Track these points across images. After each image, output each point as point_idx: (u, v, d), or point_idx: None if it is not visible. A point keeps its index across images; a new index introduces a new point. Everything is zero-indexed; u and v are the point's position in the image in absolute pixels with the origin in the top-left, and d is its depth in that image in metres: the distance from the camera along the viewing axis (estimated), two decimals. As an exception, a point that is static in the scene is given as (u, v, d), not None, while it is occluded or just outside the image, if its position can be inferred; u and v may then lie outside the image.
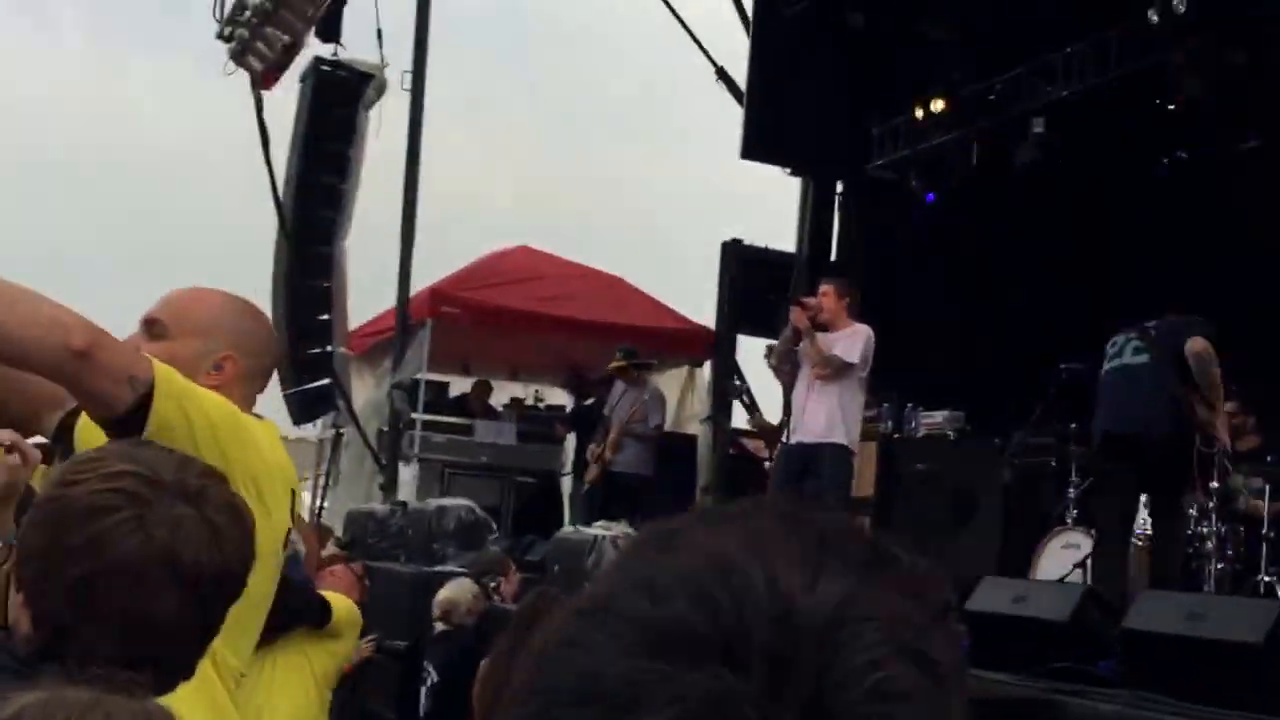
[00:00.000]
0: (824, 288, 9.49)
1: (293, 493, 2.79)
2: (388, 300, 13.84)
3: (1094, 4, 12.01)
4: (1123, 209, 12.99)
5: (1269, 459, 9.10)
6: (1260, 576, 8.33)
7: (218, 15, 12.84)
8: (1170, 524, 8.01)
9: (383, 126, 13.17)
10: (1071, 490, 10.14)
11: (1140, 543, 9.54)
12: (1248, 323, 9.45)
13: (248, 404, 2.76)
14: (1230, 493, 9.14)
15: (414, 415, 13.17)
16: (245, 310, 2.87)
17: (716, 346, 14.62)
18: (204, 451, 2.28)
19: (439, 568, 9.71)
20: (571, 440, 14.50)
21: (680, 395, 14.87)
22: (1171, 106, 11.66)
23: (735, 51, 15.28)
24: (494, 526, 10.87)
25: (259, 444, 2.56)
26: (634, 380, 12.75)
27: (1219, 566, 8.86)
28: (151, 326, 2.71)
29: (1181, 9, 10.69)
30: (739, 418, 14.74)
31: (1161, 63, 11.30)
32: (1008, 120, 12.88)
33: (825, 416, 9.17)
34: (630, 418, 12.49)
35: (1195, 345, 7.28)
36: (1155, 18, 10.94)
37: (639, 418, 12.51)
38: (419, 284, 13.74)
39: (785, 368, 9.53)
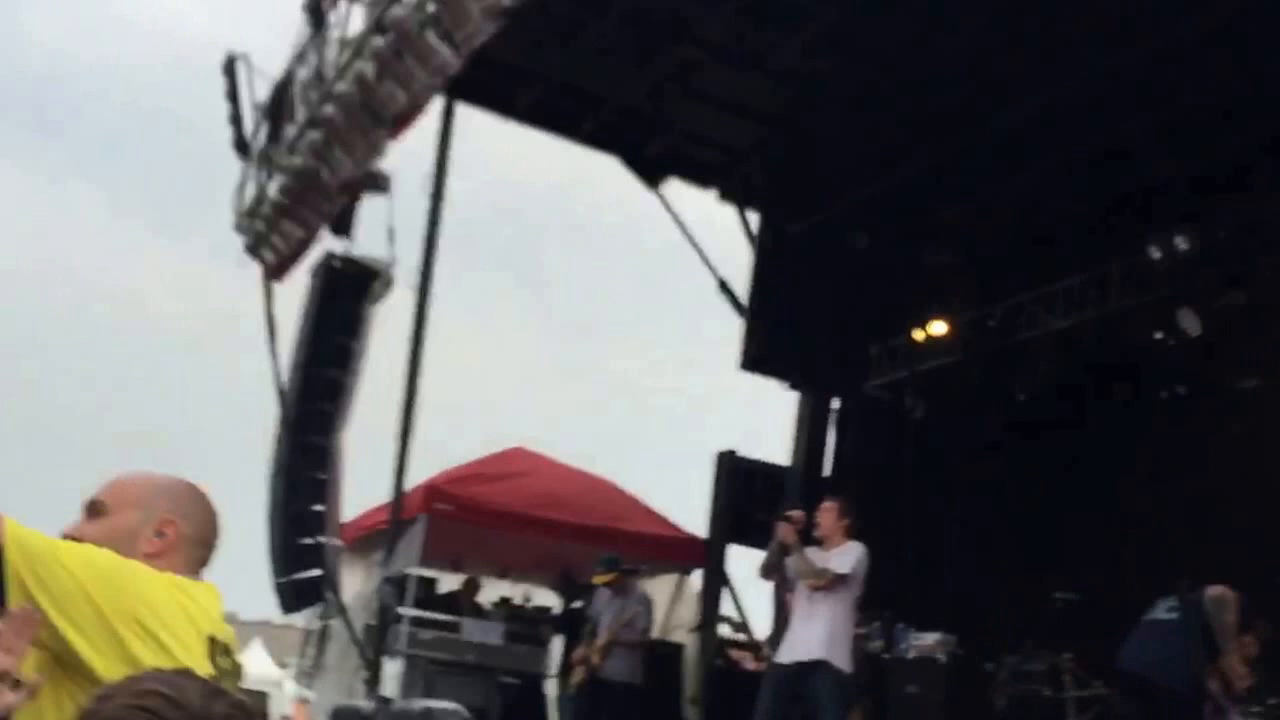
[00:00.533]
0: (827, 504, 9.54)
1: (215, 642, 2.82)
2: (382, 493, 13.79)
3: (1096, 237, 12.22)
4: (1122, 440, 13.06)
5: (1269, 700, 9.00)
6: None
7: (236, 207, 13.03)
8: None
9: (388, 321, 13.25)
10: None
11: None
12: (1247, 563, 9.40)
13: (193, 568, 2.90)
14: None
15: (402, 610, 13.02)
16: (184, 484, 3.02)
17: (707, 555, 14.58)
18: (68, 601, 2.53)
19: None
20: (558, 643, 14.34)
21: (669, 603, 14.77)
22: (1172, 341, 11.77)
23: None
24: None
25: (142, 588, 2.67)
26: (619, 587, 12.61)
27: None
28: (92, 508, 2.88)
29: (1183, 247, 10.91)
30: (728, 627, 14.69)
31: (1162, 298, 11.48)
32: (1006, 348, 13.03)
33: (819, 634, 9.08)
34: (618, 624, 12.33)
35: (1214, 591, 7.30)
36: (1157, 254, 11.17)
37: (627, 624, 12.36)
38: (414, 479, 13.70)
39: (774, 580, 9.47)
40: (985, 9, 11.02)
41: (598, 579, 12.62)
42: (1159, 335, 11.85)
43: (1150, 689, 7.75)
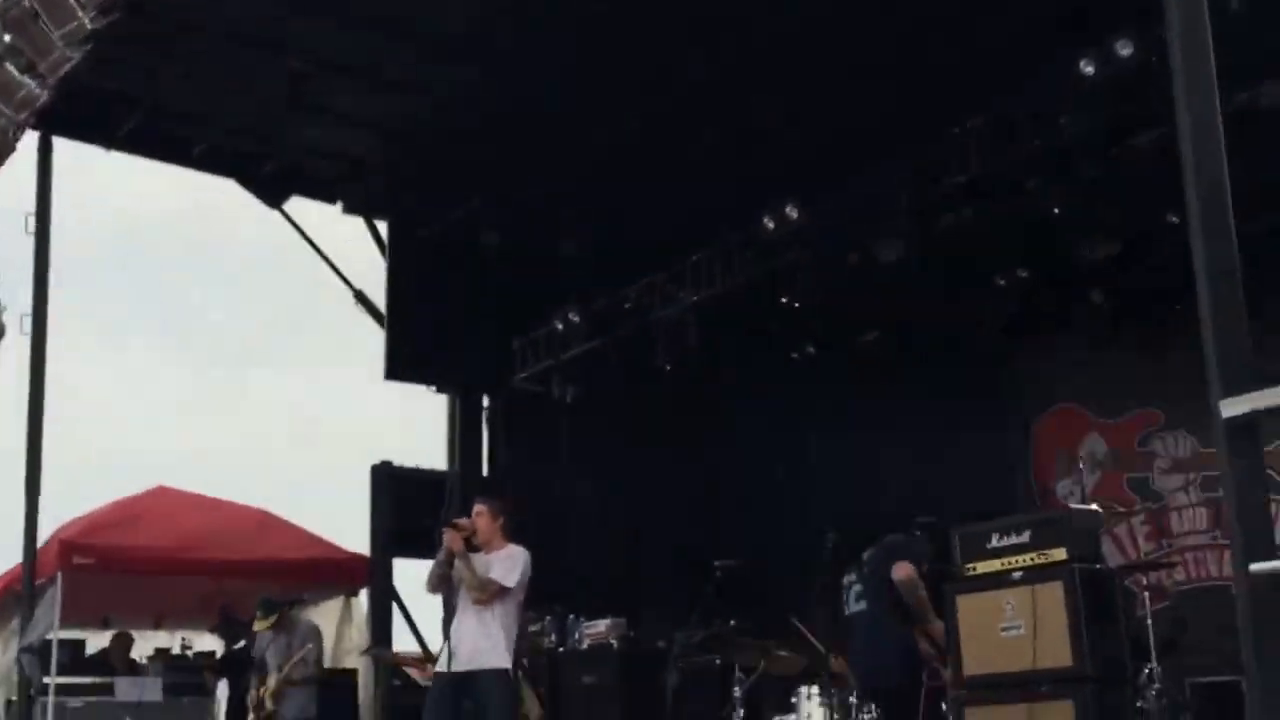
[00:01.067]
0: (478, 508, 9.34)
1: None
2: (13, 555, 12.97)
3: (714, 215, 12.41)
4: (765, 403, 13.33)
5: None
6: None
7: None
8: None
9: (2, 372, 12.47)
10: (737, 688, 10.10)
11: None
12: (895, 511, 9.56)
13: None
14: None
15: (46, 680, 12.22)
16: None
17: (372, 573, 14.22)
18: None
19: None
20: (223, 688, 13.76)
21: (337, 628, 14.32)
22: (796, 305, 12.04)
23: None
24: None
25: None
26: (282, 625, 12.09)
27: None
28: None
29: (794, 215, 11.22)
30: (400, 643, 14.36)
31: (784, 264, 11.75)
32: (643, 325, 13.15)
33: (484, 641, 8.92)
34: (287, 663, 11.82)
35: (898, 572, 7.26)
36: (771, 225, 11.45)
37: (297, 661, 11.84)
38: (48, 534, 12.91)
39: (443, 591, 9.20)
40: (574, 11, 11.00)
41: (259, 625, 12.08)
42: (784, 300, 12.06)
43: (884, 693, 7.69)
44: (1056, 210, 10.18)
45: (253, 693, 12.02)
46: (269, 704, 11.80)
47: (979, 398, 11.78)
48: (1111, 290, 11.01)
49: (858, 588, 7.67)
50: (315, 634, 12.26)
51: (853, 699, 9.53)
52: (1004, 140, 10.13)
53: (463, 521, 9.18)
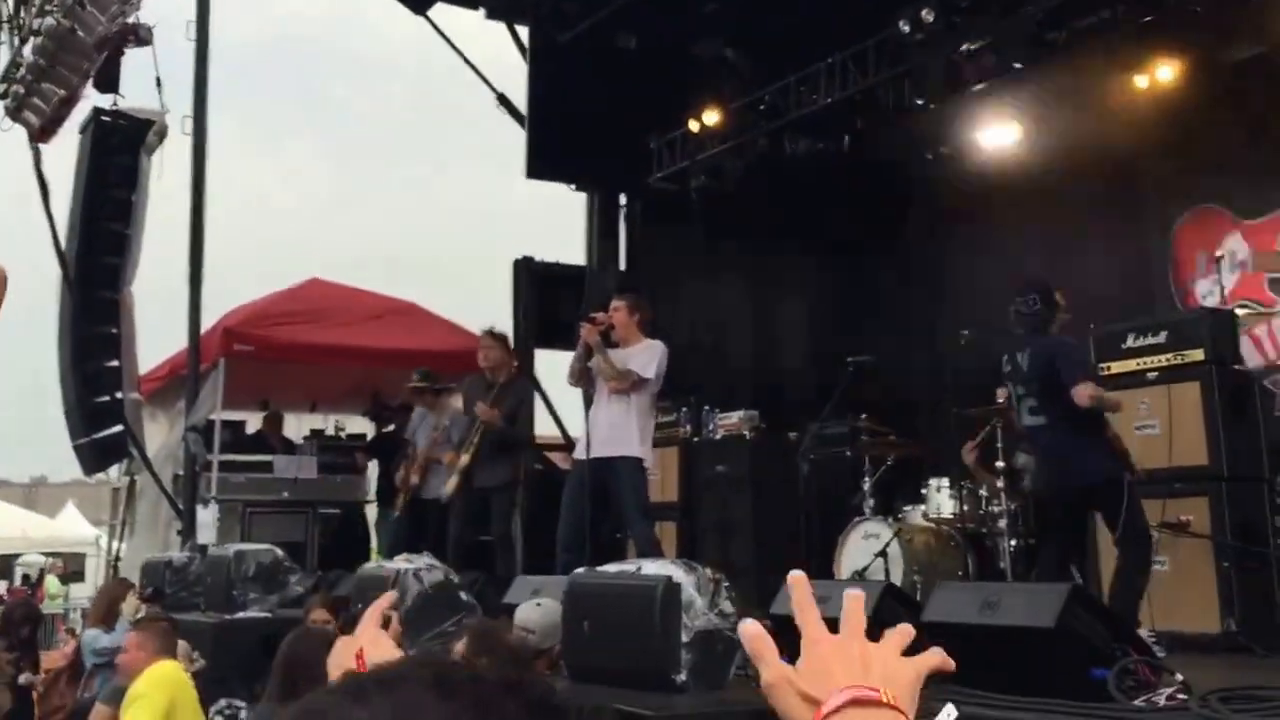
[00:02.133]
0: (615, 304, 9.35)
1: None
2: (179, 342, 13.33)
3: (850, 18, 12.16)
4: (894, 203, 13.17)
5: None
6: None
7: (-10, 75, 12.35)
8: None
9: (165, 171, 12.72)
10: (866, 480, 10.20)
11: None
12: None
13: None
14: (1017, 472, 9.23)
15: (210, 456, 12.65)
16: None
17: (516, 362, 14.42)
18: None
19: (240, 614, 9.32)
20: (374, 468, 14.14)
21: (481, 415, 14.55)
22: (932, 106, 11.82)
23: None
24: (295, 567, 10.41)
25: None
26: (432, 404, 12.42)
27: (1012, 544, 8.92)
28: None
29: (930, 18, 10.94)
30: (542, 430, 14.59)
31: (919, 65, 11.48)
32: (780, 128, 13.00)
33: (618, 430, 9.01)
34: (432, 443, 12.12)
35: (1081, 396, 7.11)
36: (906, 28, 11.18)
37: (441, 442, 12.15)
38: (210, 322, 13.24)
39: (584, 384, 9.30)
40: None
41: (409, 385, 12.46)
42: (919, 101, 11.83)
43: (1084, 491, 7.56)
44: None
45: (402, 470, 12.34)
46: (413, 479, 12.12)
47: (1118, 200, 11.49)
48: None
49: (1031, 402, 7.38)
50: (462, 418, 12.52)
51: (984, 492, 9.61)
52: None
53: (599, 316, 9.21)
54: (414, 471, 12.14)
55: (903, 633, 1.42)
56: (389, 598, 1.99)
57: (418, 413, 12.56)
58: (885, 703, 1.31)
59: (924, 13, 11.13)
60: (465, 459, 10.70)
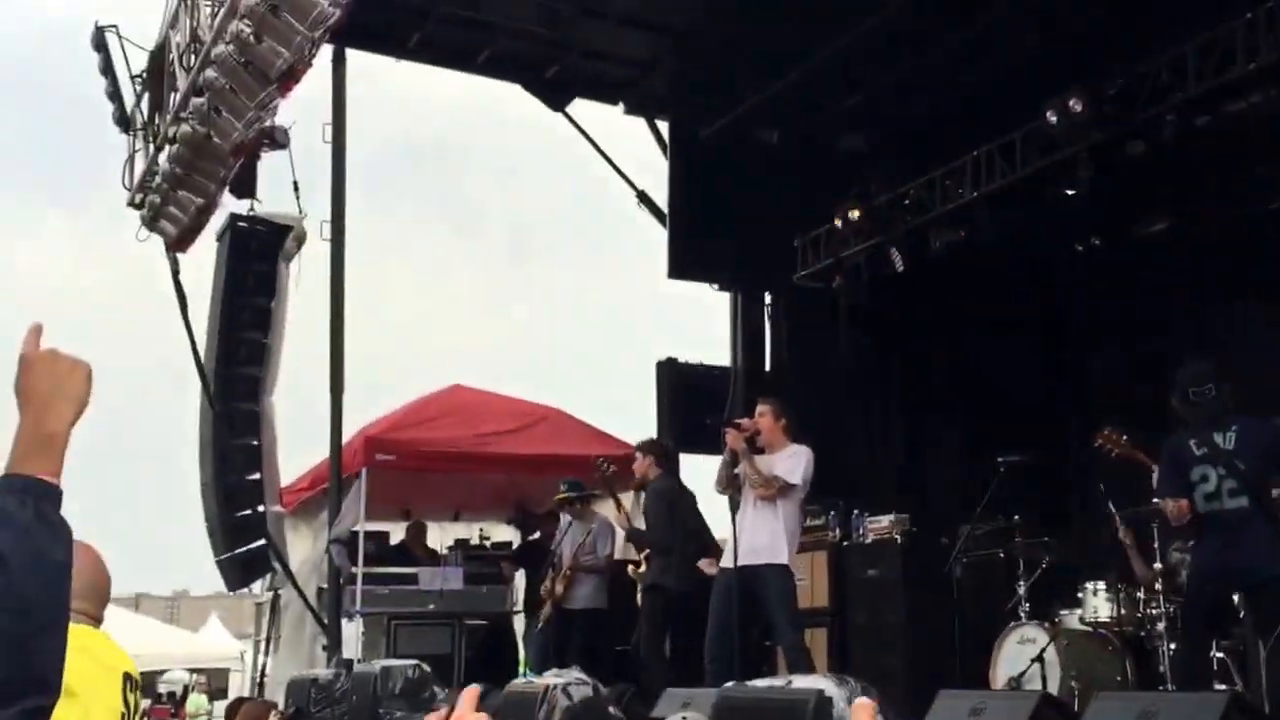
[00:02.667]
0: (761, 409, 9.27)
1: (128, 677, 3.01)
2: (320, 452, 13.35)
3: (993, 111, 12.03)
4: (1046, 300, 12.79)
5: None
6: (1212, 653, 7.94)
7: (127, 183, 12.50)
8: None
9: (303, 278, 12.80)
10: (1021, 583, 9.86)
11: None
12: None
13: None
14: (1173, 570, 8.92)
15: (354, 569, 12.56)
16: None
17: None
18: None
19: (387, 732, 9.19)
20: (521, 577, 13.98)
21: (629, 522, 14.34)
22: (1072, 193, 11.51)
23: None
24: (440, 682, 10.22)
25: None
26: (579, 513, 12.44)
27: (1172, 648, 8.57)
28: None
29: (1078, 109, 10.64)
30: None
31: (1066, 158, 11.30)
32: (924, 225, 12.76)
33: (766, 538, 8.93)
34: (578, 551, 12.04)
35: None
36: (1054, 117, 10.88)
37: (588, 550, 12.02)
38: (352, 431, 13.24)
39: (731, 492, 9.15)
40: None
41: (557, 498, 12.51)
42: (1070, 192, 11.50)
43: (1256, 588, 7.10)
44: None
45: (547, 580, 12.16)
46: (558, 589, 12.01)
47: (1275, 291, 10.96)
48: None
49: (1230, 483, 6.95)
50: (607, 525, 12.36)
51: (1141, 594, 9.18)
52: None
53: (744, 421, 9.15)
54: (559, 582, 12.00)
55: None
56: (474, 690, 1.94)
57: (564, 520, 12.44)
58: None
59: (1071, 102, 10.87)
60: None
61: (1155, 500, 8.41)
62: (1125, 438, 8.17)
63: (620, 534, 13.64)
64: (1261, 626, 6.78)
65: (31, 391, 1.99)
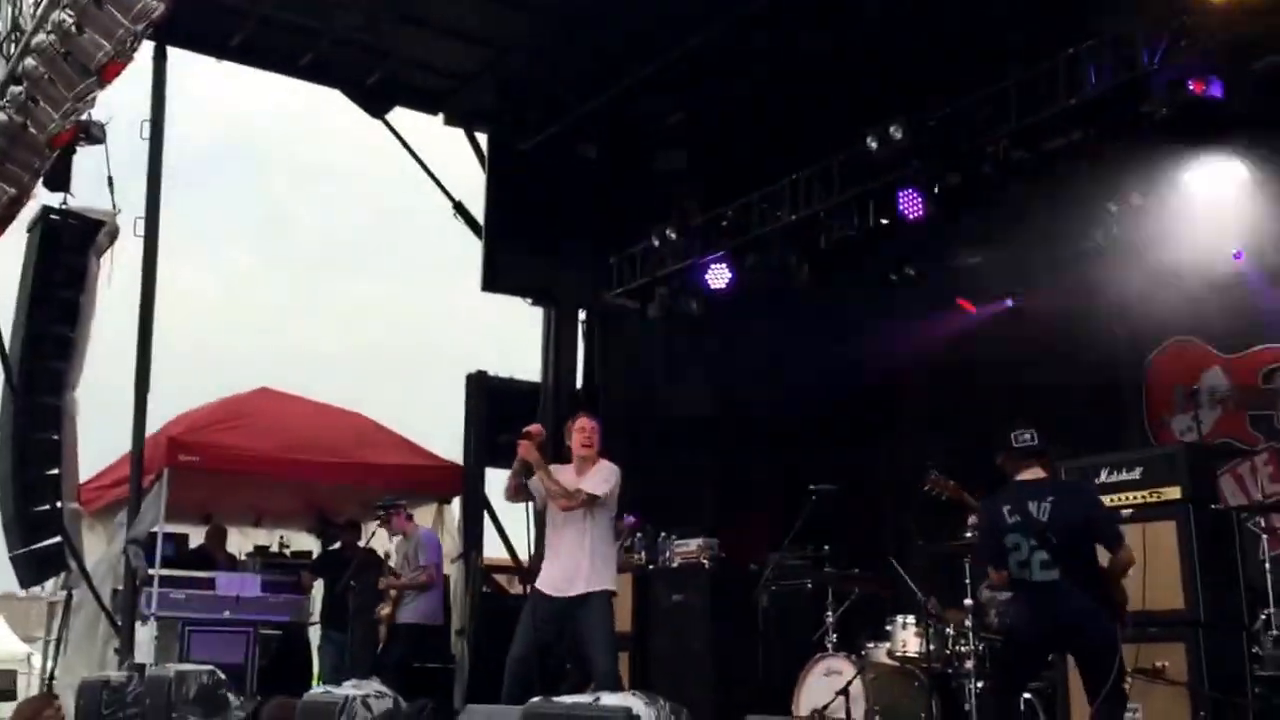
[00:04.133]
0: (590, 424, 9.05)
1: None
2: (121, 449, 13.11)
3: (816, 133, 12.21)
4: (860, 323, 13.06)
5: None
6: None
7: (-65, 169, 12.13)
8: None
9: (115, 272, 12.57)
10: (829, 614, 9.99)
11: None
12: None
13: None
14: (982, 608, 9.04)
15: (151, 571, 12.36)
16: None
17: (465, 482, 14.27)
18: None
19: (181, 739, 9.08)
20: (319, 587, 13.93)
21: (430, 534, 14.39)
22: (887, 222, 11.86)
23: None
24: (234, 689, 10.10)
25: None
26: (396, 529, 12.47)
27: (979, 685, 8.74)
28: None
29: (898, 136, 10.98)
30: (491, 550, 14.45)
31: (885, 185, 11.59)
32: (742, 245, 13.00)
33: (582, 560, 8.72)
34: (401, 567, 12.24)
35: (1124, 562, 6.95)
36: (874, 144, 11.21)
37: (413, 565, 12.14)
38: (155, 429, 13.03)
39: (522, 500, 9.07)
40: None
41: (378, 516, 12.55)
42: (885, 221, 11.87)
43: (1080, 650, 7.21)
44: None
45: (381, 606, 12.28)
46: (384, 613, 12.14)
47: (1090, 329, 11.38)
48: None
49: (1042, 555, 7.02)
50: (429, 538, 12.51)
51: (950, 631, 9.37)
52: (1125, 62, 9.76)
53: (533, 428, 8.85)
54: (388, 604, 12.14)
55: None
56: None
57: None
58: None
59: (892, 129, 11.20)
60: None
61: (969, 534, 8.80)
62: (952, 482, 8.45)
63: (452, 542, 13.77)
64: (1092, 687, 6.84)
65: None
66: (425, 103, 15.05)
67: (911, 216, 11.62)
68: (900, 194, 11.59)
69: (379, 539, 13.06)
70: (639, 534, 12.34)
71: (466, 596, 13.75)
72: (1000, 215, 11.59)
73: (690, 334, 14.31)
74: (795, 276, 12.80)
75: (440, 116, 15.20)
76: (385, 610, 12.15)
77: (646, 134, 14.49)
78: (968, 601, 9.05)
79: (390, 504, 12.37)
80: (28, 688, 25.02)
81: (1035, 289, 11.70)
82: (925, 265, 12.51)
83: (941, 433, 11.75)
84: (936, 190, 11.38)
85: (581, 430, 8.97)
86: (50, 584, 14.08)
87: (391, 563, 12.41)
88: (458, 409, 14.73)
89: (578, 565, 8.65)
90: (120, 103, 11.85)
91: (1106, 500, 8.00)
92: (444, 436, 15.26)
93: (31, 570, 12.64)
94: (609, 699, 5.70)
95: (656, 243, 13.80)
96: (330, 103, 14.66)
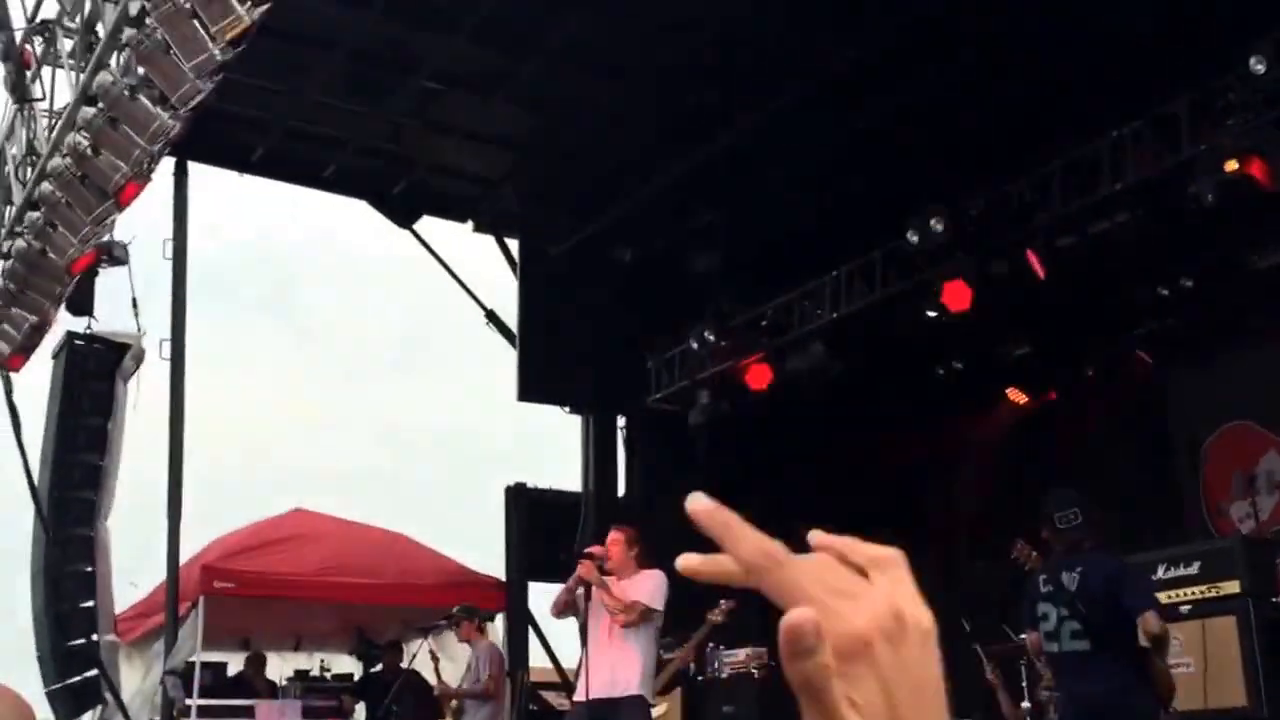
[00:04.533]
0: (613, 535, 9.08)
1: None
2: (157, 576, 13.04)
3: (852, 230, 12.09)
4: (909, 420, 12.89)
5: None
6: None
7: (-47, 306, 12.18)
8: None
9: (141, 396, 12.54)
10: None
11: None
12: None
13: None
14: (1041, 708, 8.97)
15: (189, 701, 12.21)
16: None
17: (508, 596, 14.07)
18: None
19: None
20: (361, 710, 13.75)
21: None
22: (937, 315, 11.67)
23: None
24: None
25: None
26: (463, 637, 12.44)
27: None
28: None
29: (939, 228, 10.83)
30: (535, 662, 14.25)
31: (926, 279, 11.35)
32: (783, 345, 12.85)
33: (621, 669, 8.72)
34: (465, 678, 12.23)
35: (1151, 624, 6.70)
36: (915, 238, 11.06)
37: (474, 677, 12.04)
38: (192, 551, 13.00)
39: (569, 615, 9.05)
40: (714, 10, 10.74)
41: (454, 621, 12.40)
42: (931, 314, 11.68)
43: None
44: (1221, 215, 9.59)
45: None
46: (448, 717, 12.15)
47: (1142, 415, 11.17)
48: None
49: (1073, 625, 6.89)
50: (485, 650, 12.31)
51: None
52: (1165, 143, 9.60)
53: (596, 549, 9.01)
54: (447, 713, 12.13)
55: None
56: None
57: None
58: None
59: (933, 222, 11.04)
60: None
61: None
62: (1036, 553, 8.24)
63: (461, 664, 13.56)
64: None
65: None
66: (453, 210, 15.03)
67: (954, 309, 11.46)
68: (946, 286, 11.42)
69: (421, 661, 12.88)
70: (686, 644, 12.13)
71: (513, 713, 13.50)
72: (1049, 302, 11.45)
73: (732, 434, 14.12)
74: (838, 373, 12.64)
75: (470, 224, 15.15)
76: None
77: (680, 235, 14.33)
78: (1025, 704, 8.97)
79: (465, 612, 12.23)
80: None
81: (1083, 377, 11.53)
82: (971, 358, 12.40)
83: (992, 527, 11.52)
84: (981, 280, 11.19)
85: (614, 543, 9.02)
86: (87, 717, 13.98)
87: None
88: (496, 517, 14.66)
89: (617, 673, 8.65)
90: (141, 219, 11.87)
91: (1164, 597, 7.75)
92: (481, 545, 15.10)
93: (69, 704, 12.57)
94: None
95: (695, 345, 13.67)
96: (357, 212, 14.66)
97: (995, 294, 11.22)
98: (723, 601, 11.02)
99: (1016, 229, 10.75)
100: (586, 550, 9.11)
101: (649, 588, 8.83)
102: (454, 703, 12.12)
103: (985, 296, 11.24)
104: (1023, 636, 8.61)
